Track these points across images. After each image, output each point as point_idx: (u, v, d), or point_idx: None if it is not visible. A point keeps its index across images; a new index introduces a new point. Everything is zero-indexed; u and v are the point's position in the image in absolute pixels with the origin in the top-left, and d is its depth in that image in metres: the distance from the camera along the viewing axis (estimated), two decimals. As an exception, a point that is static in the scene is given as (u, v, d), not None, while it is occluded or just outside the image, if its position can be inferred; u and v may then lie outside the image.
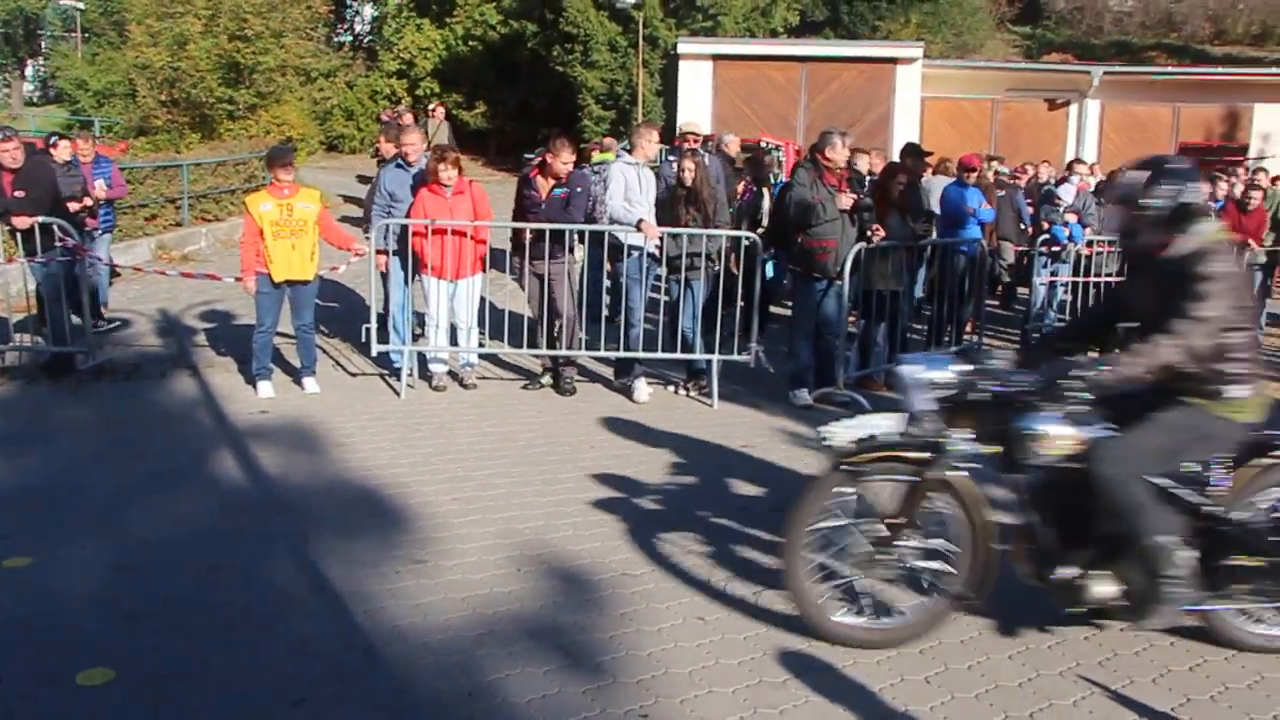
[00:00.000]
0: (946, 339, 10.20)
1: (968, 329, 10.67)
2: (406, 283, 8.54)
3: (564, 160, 8.06)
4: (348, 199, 19.07)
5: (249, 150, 18.15)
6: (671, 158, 10.22)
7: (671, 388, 8.69)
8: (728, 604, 4.56)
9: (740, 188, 10.95)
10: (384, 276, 8.82)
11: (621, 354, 8.39)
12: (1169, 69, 23.81)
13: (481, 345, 8.74)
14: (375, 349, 8.33)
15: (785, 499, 5.95)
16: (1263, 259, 11.97)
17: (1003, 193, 12.20)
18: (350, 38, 34.14)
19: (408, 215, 8.28)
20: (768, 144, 16.29)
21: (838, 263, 8.03)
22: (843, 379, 8.30)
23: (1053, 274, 11.18)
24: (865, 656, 4.10)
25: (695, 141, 9.87)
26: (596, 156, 12.00)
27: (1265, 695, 3.94)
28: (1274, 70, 23.69)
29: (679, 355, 8.42)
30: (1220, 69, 23.61)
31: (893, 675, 3.98)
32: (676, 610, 4.49)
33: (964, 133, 21.63)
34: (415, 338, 8.84)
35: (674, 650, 4.13)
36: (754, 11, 25.86)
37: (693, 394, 8.51)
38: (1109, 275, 10.99)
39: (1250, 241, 11.54)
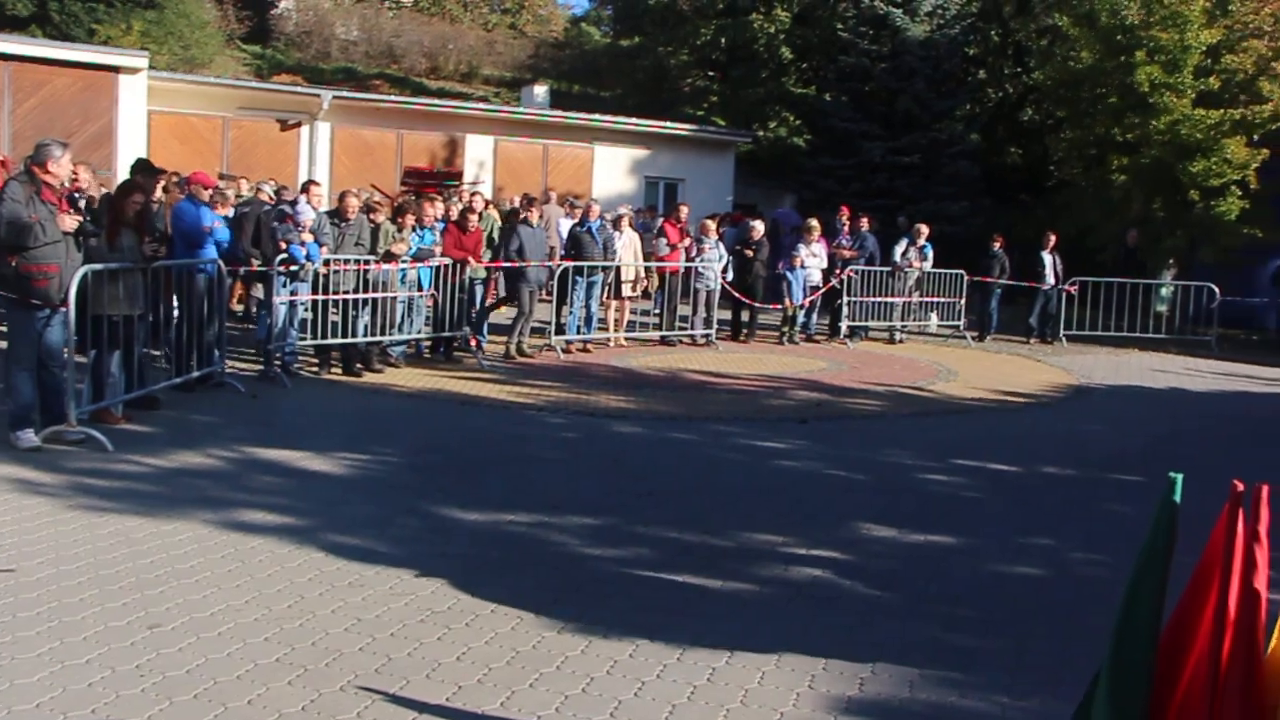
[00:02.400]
0: (192, 364, 9.85)
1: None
2: None
3: None
4: None
5: None
6: None
7: None
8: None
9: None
10: None
11: None
12: (394, 98, 25.22)
13: None
14: None
15: (17, 556, 5.33)
16: (482, 274, 13.26)
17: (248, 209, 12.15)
18: None
19: None
20: (-32, 155, 14.45)
21: (61, 289, 7.34)
22: (74, 414, 7.61)
23: (293, 293, 11.29)
24: (129, 687, 3.77)
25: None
26: None
27: (520, 668, 4.32)
28: (481, 106, 26.26)
29: None
30: (438, 101, 25.58)
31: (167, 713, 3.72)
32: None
33: (195, 150, 20.99)
34: None
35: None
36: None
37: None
38: (346, 292, 11.41)
39: (470, 259, 12.69)
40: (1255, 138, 18.68)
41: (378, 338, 11.84)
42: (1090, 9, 20.12)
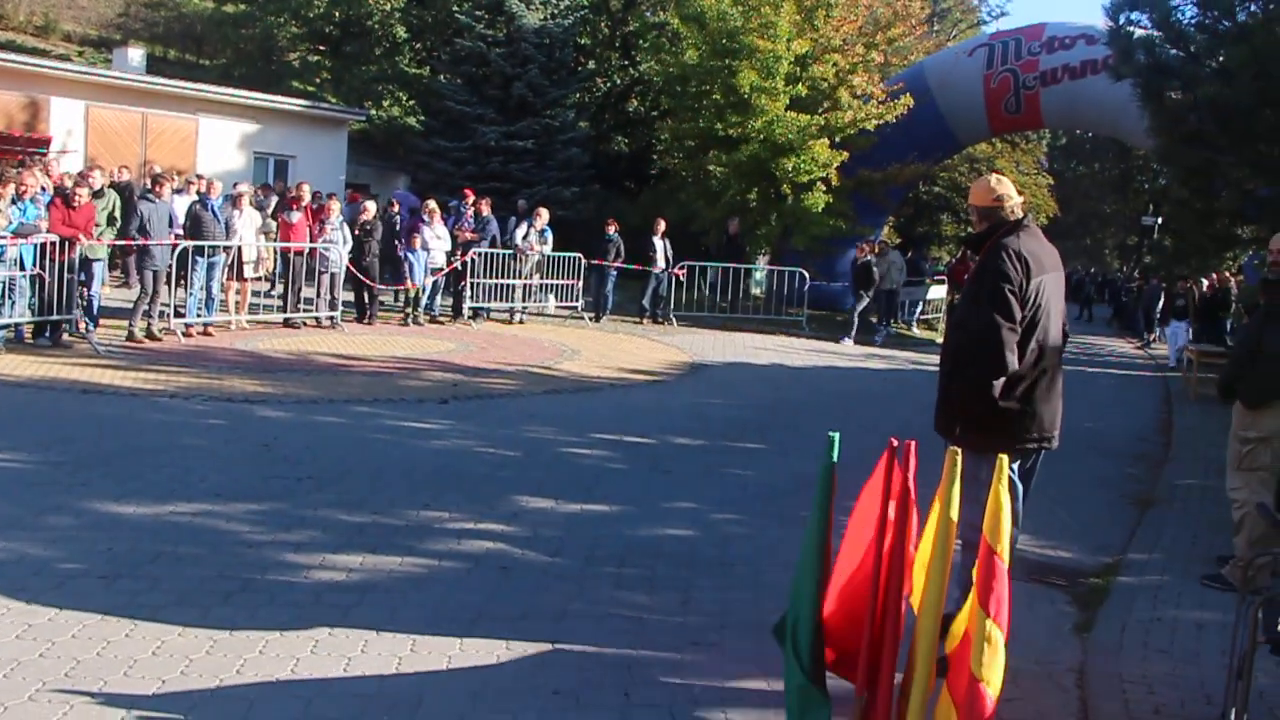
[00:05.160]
0: None
1: None
2: None
3: None
4: None
5: None
6: None
7: None
8: None
9: None
10: None
11: None
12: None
13: None
14: None
15: None
16: (103, 253, 12.50)
17: None
18: None
19: None
20: None
21: None
22: None
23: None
24: None
25: None
26: None
27: (223, 656, 4.28)
28: (70, 66, 24.09)
29: None
30: (18, 57, 23.06)
31: None
32: None
33: None
34: None
35: None
36: None
37: None
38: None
39: (81, 236, 11.85)
40: (837, 140, 20.88)
41: (-26, 322, 10.83)
42: (699, 10, 21.54)
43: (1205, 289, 18.72)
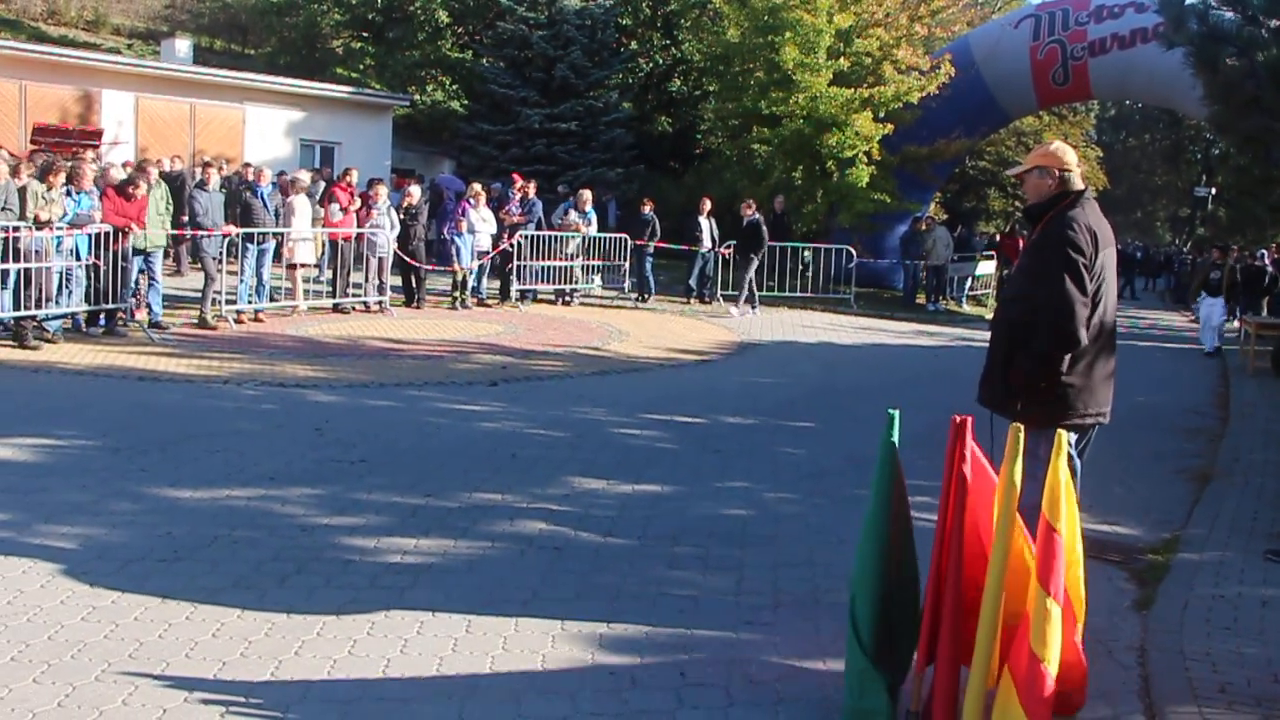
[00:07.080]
0: None
1: None
2: None
3: None
4: None
5: None
6: None
7: None
8: None
9: None
10: None
11: None
12: (18, 45, 22.89)
13: None
14: None
15: None
16: (161, 242, 12.72)
17: None
18: None
19: None
20: None
21: None
22: None
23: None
24: None
25: None
26: None
27: (281, 638, 4.34)
28: (120, 59, 24.40)
29: None
30: (71, 52, 23.42)
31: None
32: None
33: None
34: None
35: None
36: None
37: None
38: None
39: (134, 225, 11.99)
40: (881, 115, 20.64)
41: (33, 311, 10.97)
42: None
43: (1264, 261, 18.24)
